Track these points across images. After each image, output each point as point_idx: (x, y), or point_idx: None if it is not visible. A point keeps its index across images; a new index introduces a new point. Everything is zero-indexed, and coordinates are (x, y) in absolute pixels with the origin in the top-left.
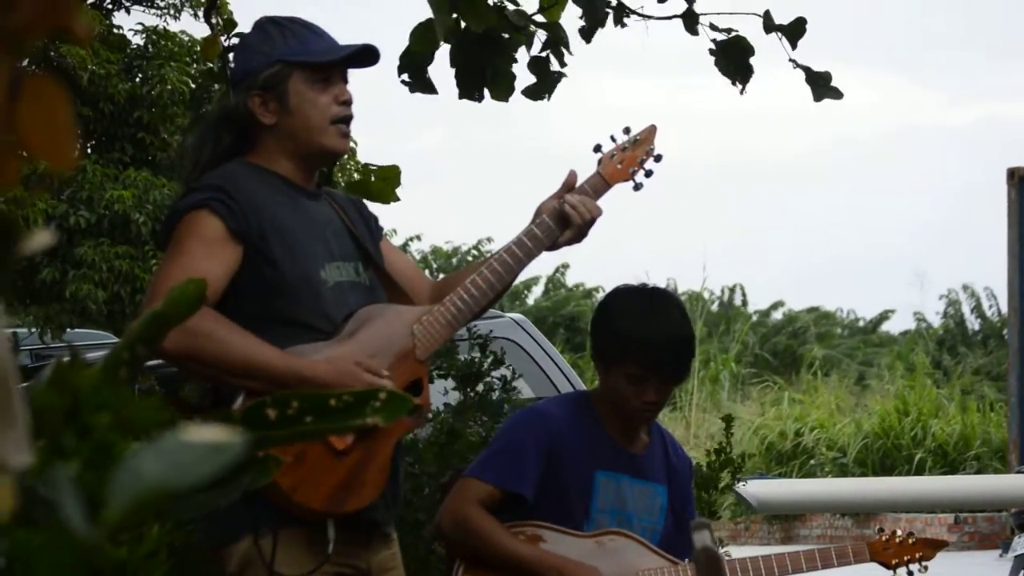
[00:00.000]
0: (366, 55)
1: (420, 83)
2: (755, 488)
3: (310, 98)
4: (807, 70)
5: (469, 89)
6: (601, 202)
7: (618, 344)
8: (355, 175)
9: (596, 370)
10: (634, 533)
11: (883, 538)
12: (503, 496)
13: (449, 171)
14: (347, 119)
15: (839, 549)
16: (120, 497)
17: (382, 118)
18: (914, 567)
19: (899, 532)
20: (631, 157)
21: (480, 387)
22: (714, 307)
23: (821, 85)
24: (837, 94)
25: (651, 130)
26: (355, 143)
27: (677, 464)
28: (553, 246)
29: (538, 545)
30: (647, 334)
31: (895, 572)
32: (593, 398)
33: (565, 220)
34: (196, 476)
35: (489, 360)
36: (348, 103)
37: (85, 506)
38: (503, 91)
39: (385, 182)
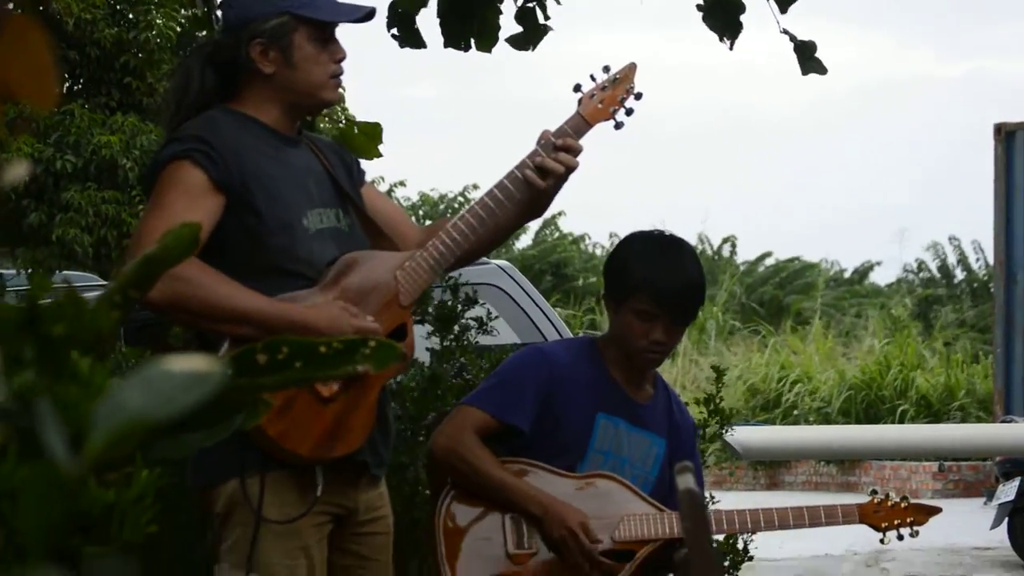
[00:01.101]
0: (364, 18)
1: (409, 37)
2: (741, 435)
3: (313, 55)
4: (794, 40)
5: (455, 39)
6: (594, 153)
7: (631, 281)
8: (340, 124)
9: (608, 311)
10: (624, 479)
11: (875, 501)
12: (499, 427)
13: (436, 120)
14: (341, 74)
15: (828, 509)
16: (103, 428)
17: (370, 66)
18: (904, 531)
19: (892, 496)
20: (611, 96)
21: (456, 328)
22: (708, 254)
23: (808, 58)
24: (822, 69)
25: (631, 68)
26: (343, 90)
27: (680, 422)
28: (538, 197)
29: (526, 480)
30: (660, 272)
31: (884, 535)
32: (600, 344)
33: (544, 169)
34: (179, 406)
35: (462, 299)
36: (343, 60)
37: (68, 438)
38: (487, 42)
39: (368, 138)
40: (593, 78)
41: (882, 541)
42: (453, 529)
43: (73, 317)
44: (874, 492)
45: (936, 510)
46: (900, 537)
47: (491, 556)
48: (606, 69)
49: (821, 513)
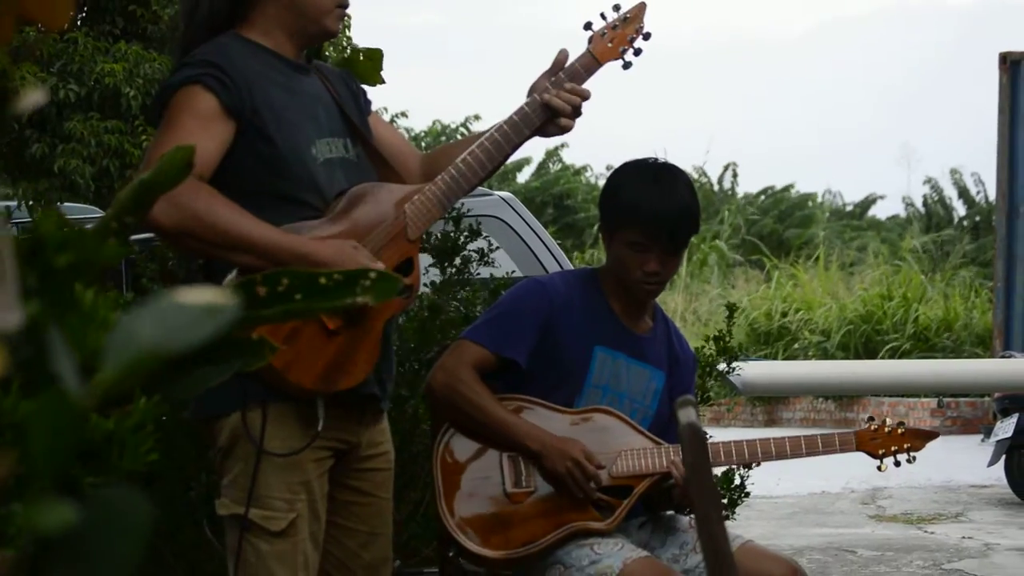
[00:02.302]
0: None
1: None
2: (739, 369)
3: None
4: None
5: None
6: (597, 83)
7: (622, 212)
8: (347, 52)
9: (603, 242)
10: (623, 413)
11: (871, 427)
12: (497, 361)
13: (440, 49)
14: (346, 6)
15: (826, 438)
16: (114, 360)
17: None
18: (902, 457)
19: (888, 422)
20: (621, 35)
21: (457, 261)
22: (708, 187)
23: None
24: None
25: (641, 7)
26: (348, 16)
27: (680, 355)
28: (545, 130)
29: (523, 417)
30: (651, 202)
31: (882, 461)
32: (600, 275)
33: (551, 107)
34: (191, 339)
35: (464, 234)
36: None
37: (78, 368)
38: None
39: (371, 62)
40: (603, 16)
41: (880, 468)
42: (451, 466)
43: (75, 247)
44: (871, 419)
45: (934, 435)
46: (897, 463)
47: (489, 495)
48: (616, 8)
49: (819, 442)
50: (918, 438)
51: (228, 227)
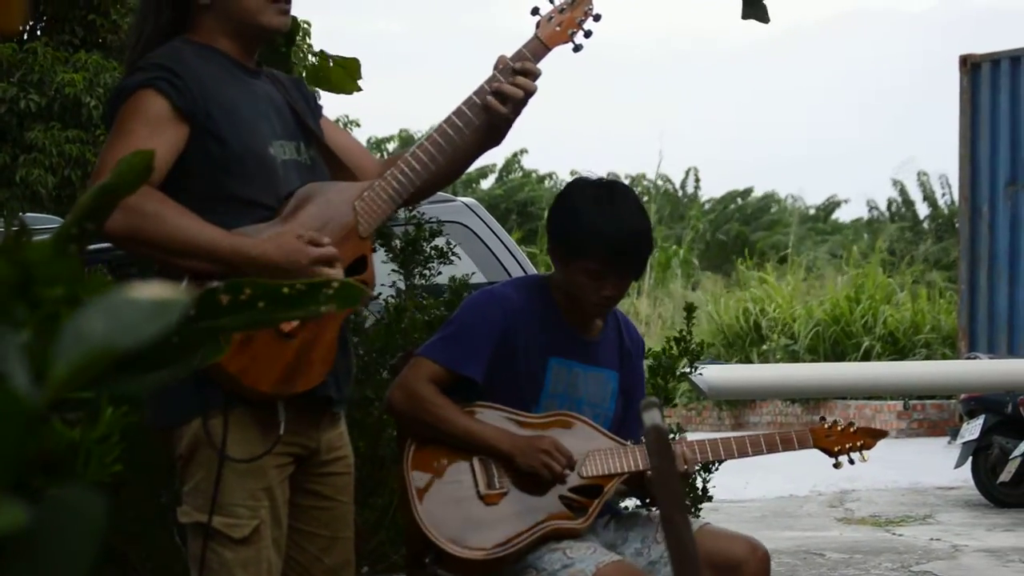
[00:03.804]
0: None
1: None
2: (706, 374)
3: None
4: None
5: None
6: (558, 89)
7: (577, 241)
8: (310, 57)
9: (552, 263)
10: (584, 417)
11: (825, 426)
12: (453, 378)
13: (406, 58)
14: None
15: (783, 435)
16: (65, 357)
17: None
18: (855, 455)
19: (840, 421)
20: (569, 19)
21: (418, 259)
22: (671, 191)
23: (752, 4)
24: (764, 17)
25: None
26: (308, 24)
27: (631, 347)
28: (497, 123)
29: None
30: (606, 231)
31: (837, 459)
32: (551, 284)
33: (501, 93)
34: (143, 334)
35: (426, 235)
36: None
37: (30, 369)
38: None
39: (345, 71)
40: (551, 1)
41: (836, 466)
42: (422, 474)
43: (69, 280)
44: (822, 418)
45: (883, 433)
46: (851, 461)
47: (463, 498)
48: None
49: (777, 439)
50: (869, 436)
51: (176, 231)
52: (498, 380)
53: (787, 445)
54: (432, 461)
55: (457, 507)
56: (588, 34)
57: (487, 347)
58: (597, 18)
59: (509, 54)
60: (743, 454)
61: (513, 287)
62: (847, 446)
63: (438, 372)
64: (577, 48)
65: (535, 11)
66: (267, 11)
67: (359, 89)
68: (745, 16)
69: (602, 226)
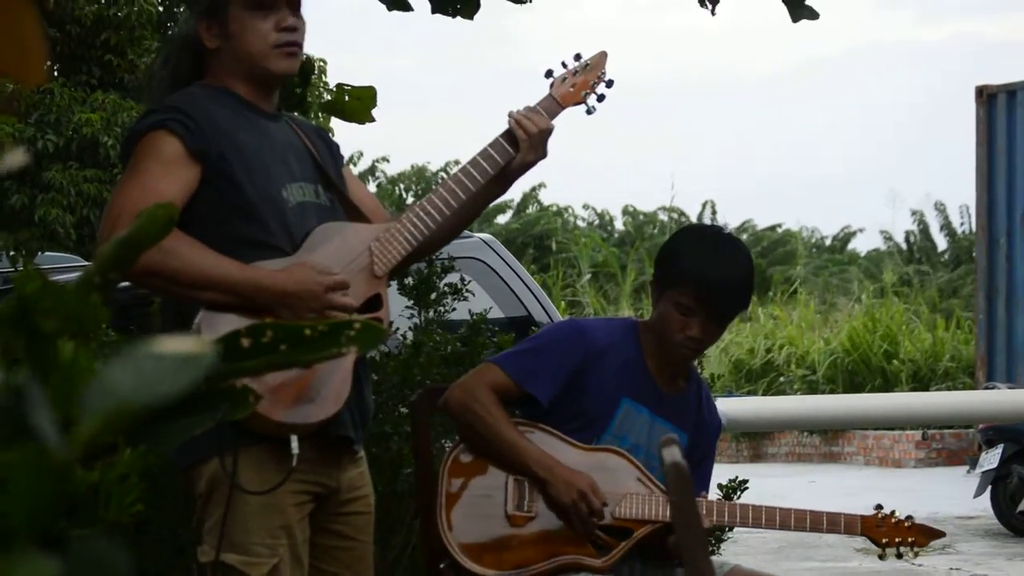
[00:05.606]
0: None
1: (396, 0)
2: (724, 406)
3: (249, 25)
4: None
5: (443, 4)
6: (574, 122)
7: (676, 273)
8: (326, 95)
9: (651, 298)
10: (635, 459)
11: (879, 515)
12: (518, 392)
13: (419, 92)
14: (291, 43)
15: (831, 517)
16: (93, 411)
17: (353, 37)
18: (904, 550)
19: (897, 513)
20: (583, 81)
21: (433, 296)
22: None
23: (797, 5)
24: (813, 14)
25: (602, 56)
26: (324, 62)
27: (708, 420)
28: (516, 168)
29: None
30: (704, 267)
31: (884, 551)
32: (641, 328)
33: (515, 137)
34: (170, 389)
35: (438, 270)
36: (290, 29)
37: (57, 423)
38: (470, 9)
39: (360, 102)
40: (564, 65)
41: (881, 557)
42: (457, 479)
43: (62, 311)
44: (879, 507)
45: (939, 534)
46: (899, 555)
47: (489, 514)
48: (577, 57)
49: (824, 520)
50: (923, 534)
51: (190, 265)
52: (561, 411)
53: (833, 528)
54: (470, 470)
55: (482, 521)
56: (601, 98)
57: (561, 374)
58: (610, 84)
59: (522, 105)
60: (785, 527)
61: (602, 325)
62: (897, 540)
63: (504, 383)
64: (590, 111)
65: (549, 73)
66: (271, 56)
67: (372, 119)
68: (795, 19)
69: (702, 262)
